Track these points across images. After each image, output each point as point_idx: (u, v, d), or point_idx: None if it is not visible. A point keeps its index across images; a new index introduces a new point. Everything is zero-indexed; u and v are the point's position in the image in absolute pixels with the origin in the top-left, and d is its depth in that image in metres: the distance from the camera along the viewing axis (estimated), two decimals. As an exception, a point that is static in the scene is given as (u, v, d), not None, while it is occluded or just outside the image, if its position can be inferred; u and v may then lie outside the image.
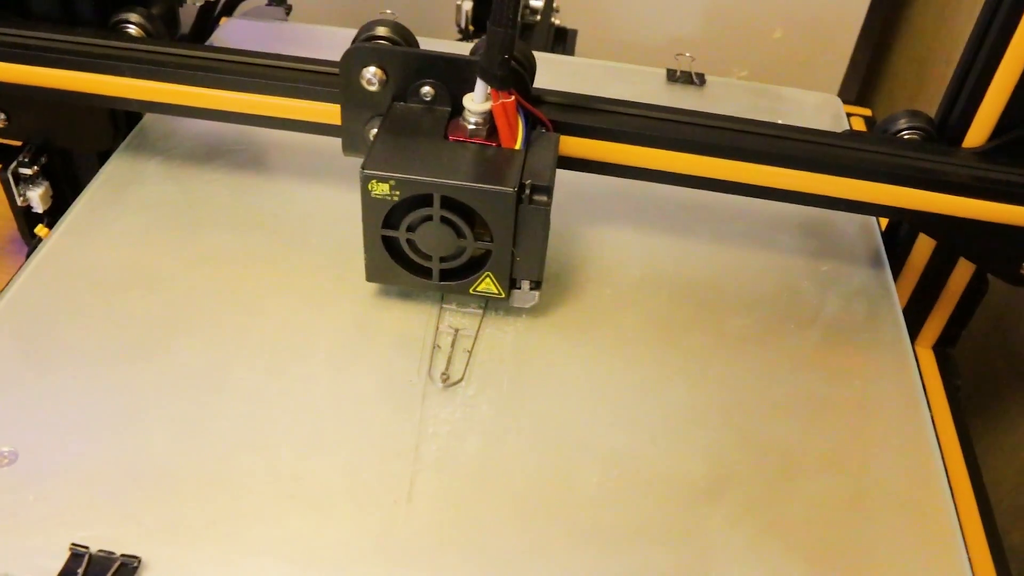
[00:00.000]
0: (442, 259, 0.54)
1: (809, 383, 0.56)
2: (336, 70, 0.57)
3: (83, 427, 0.49)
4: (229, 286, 0.58)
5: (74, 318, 0.55)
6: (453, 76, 0.55)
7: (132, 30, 0.65)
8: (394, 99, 0.57)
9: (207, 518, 0.46)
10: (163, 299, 0.56)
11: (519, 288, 0.56)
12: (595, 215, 0.66)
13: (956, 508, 0.51)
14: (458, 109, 0.55)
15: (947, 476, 0.52)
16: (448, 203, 0.52)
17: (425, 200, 0.52)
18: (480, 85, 0.53)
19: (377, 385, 0.53)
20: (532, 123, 0.56)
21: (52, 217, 0.70)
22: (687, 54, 0.83)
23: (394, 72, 0.56)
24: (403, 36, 0.58)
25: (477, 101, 0.53)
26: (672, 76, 0.82)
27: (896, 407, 0.56)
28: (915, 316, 0.71)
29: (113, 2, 0.65)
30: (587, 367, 0.55)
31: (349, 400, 0.52)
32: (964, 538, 0.50)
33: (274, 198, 0.65)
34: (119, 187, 0.64)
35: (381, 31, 0.58)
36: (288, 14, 0.91)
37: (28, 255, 0.62)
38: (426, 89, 0.56)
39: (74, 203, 0.62)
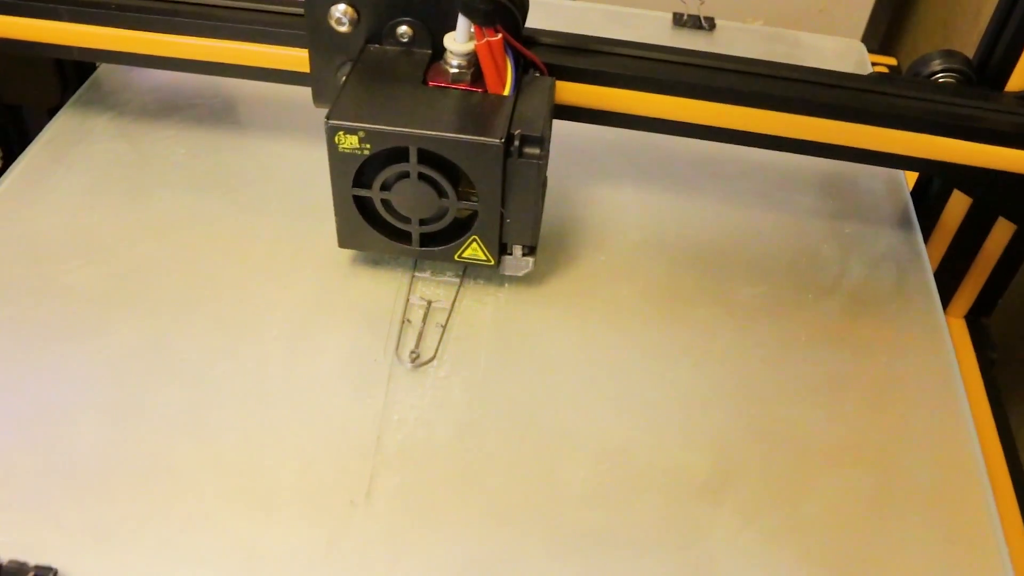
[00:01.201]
0: (422, 222, 0.48)
1: (828, 362, 0.49)
2: (302, 10, 0.50)
3: (5, 414, 0.43)
4: (178, 255, 0.51)
5: (1, 291, 0.48)
6: (433, 13, 0.49)
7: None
8: (368, 41, 0.50)
9: (137, 521, 0.40)
10: (103, 270, 0.50)
11: (510, 254, 0.49)
12: (589, 171, 0.59)
13: (994, 504, 0.44)
14: (439, 51, 0.49)
15: (984, 468, 0.45)
16: (427, 157, 0.45)
17: (401, 154, 0.45)
18: (462, 22, 0.46)
19: (337, 365, 0.46)
20: (524, 66, 0.50)
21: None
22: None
23: (366, 10, 0.49)
24: None
25: (459, 40, 0.47)
26: (679, 20, 0.75)
27: (927, 389, 0.49)
28: (947, 283, 0.64)
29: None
30: (577, 344, 0.49)
31: (305, 383, 0.45)
32: (1004, 537, 0.43)
33: (235, 156, 0.58)
34: (64, 146, 0.58)
35: None
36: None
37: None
38: (403, 29, 0.50)
39: (12, 165, 0.56)
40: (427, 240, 0.49)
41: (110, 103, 0.61)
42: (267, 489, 0.41)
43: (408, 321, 0.48)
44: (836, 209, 0.59)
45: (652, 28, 0.74)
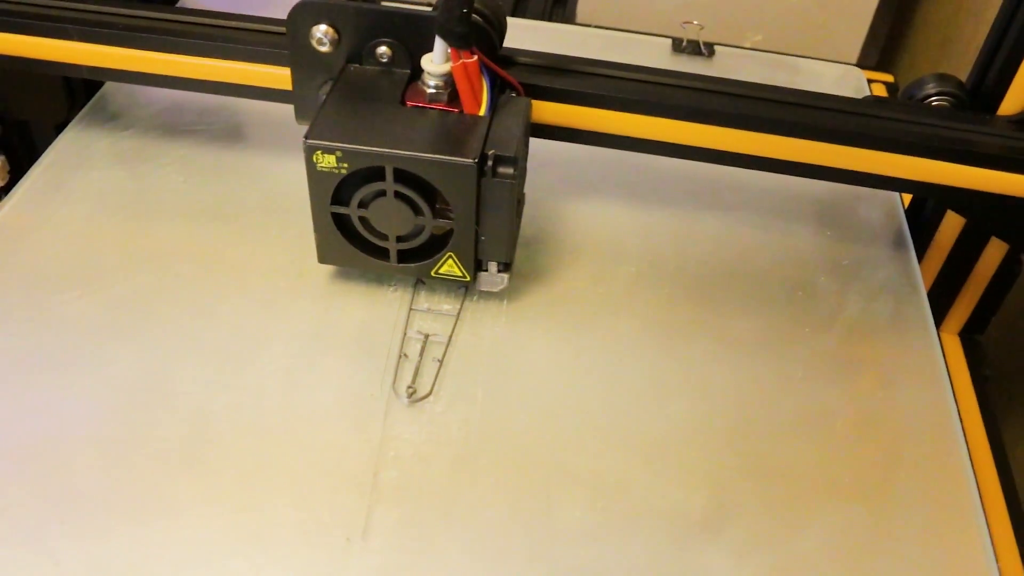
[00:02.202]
0: (399, 238, 0.47)
1: (824, 396, 0.48)
2: (283, 29, 0.49)
3: (1, 448, 0.42)
4: (176, 285, 0.50)
5: (1, 321, 0.47)
6: (412, 34, 0.48)
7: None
8: (348, 61, 0.49)
9: (134, 558, 0.38)
10: (101, 300, 0.48)
11: (486, 270, 0.48)
12: (587, 198, 0.58)
13: (990, 541, 0.42)
14: (418, 71, 0.48)
15: (983, 508, 0.44)
16: (402, 176, 0.45)
17: (377, 173, 0.45)
18: (439, 44, 0.45)
19: (335, 400, 0.45)
20: (500, 87, 0.49)
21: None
22: (695, 22, 0.73)
23: (347, 30, 0.48)
24: None
25: (436, 62, 0.46)
26: (678, 46, 0.73)
27: (922, 424, 0.47)
28: (941, 300, 0.63)
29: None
30: (573, 380, 0.47)
31: (303, 417, 0.44)
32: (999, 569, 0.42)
33: (232, 184, 0.56)
34: (62, 172, 0.56)
35: None
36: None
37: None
38: (383, 49, 0.48)
39: (11, 192, 0.55)
40: (404, 256, 0.48)
41: (109, 128, 0.59)
42: (264, 525, 0.40)
43: (405, 355, 0.47)
44: (834, 239, 0.57)
45: (652, 54, 0.72)
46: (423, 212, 0.46)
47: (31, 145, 0.65)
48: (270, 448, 0.43)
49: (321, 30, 0.48)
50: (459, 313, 0.49)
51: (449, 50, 0.45)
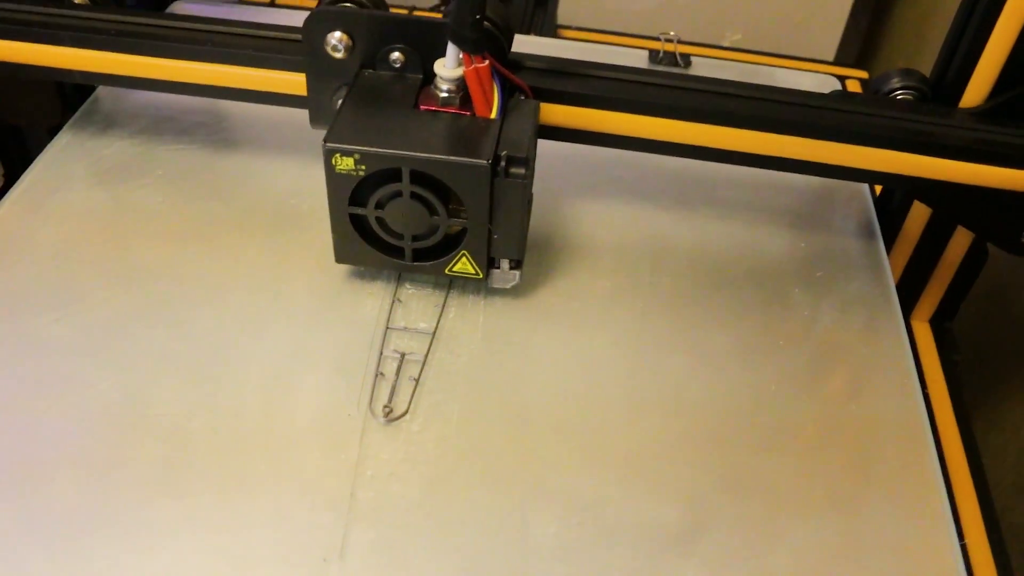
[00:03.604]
0: (414, 238, 0.46)
1: (798, 409, 0.46)
2: (298, 36, 0.49)
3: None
4: (154, 307, 0.48)
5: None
6: (424, 41, 0.47)
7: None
8: (362, 66, 0.49)
9: (114, 580, 0.37)
10: (79, 323, 0.46)
11: (498, 268, 0.48)
12: (563, 197, 0.56)
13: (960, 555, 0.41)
14: (430, 76, 0.47)
15: (956, 522, 0.42)
16: (418, 178, 0.44)
17: (394, 175, 0.44)
18: (451, 49, 0.45)
19: (312, 419, 0.43)
20: (510, 90, 0.48)
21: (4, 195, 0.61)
22: (672, 33, 0.72)
23: (361, 37, 0.48)
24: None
25: (448, 67, 0.45)
26: (655, 57, 0.72)
27: (895, 437, 0.45)
28: (911, 288, 0.61)
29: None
30: (548, 394, 0.45)
31: (280, 437, 0.42)
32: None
33: (211, 204, 0.54)
34: (41, 195, 0.54)
35: None
36: (244, -3, 0.81)
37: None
38: (396, 55, 0.48)
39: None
40: (419, 255, 0.47)
41: (94, 144, 0.57)
42: (242, 546, 0.38)
43: (382, 374, 0.45)
44: (807, 252, 0.55)
45: (629, 64, 0.70)
46: (438, 212, 0.45)
47: (24, 148, 0.63)
48: (248, 468, 0.41)
49: (336, 37, 0.47)
50: (435, 331, 0.47)
51: (461, 55, 0.44)
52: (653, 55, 0.72)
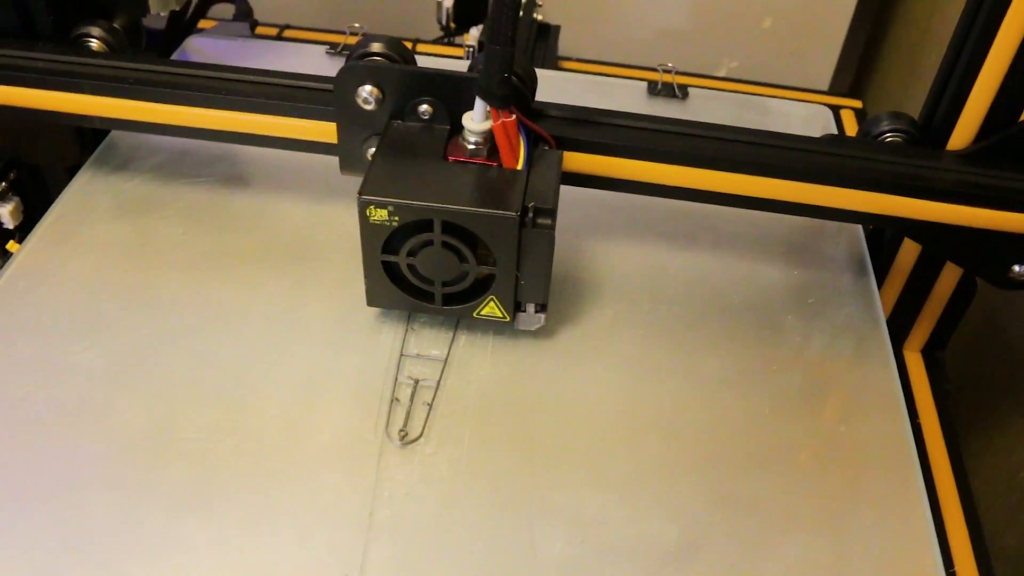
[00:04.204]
0: (444, 283, 0.49)
1: (789, 432, 0.49)
2: (330, 87, 0.52)
3: (17, 492, 0.44)
4: (178, 336, 0.51)
5: (12, 371, 0.49)
6: (452, 94, 0.51)
7: (94, 44, 0.60)
8: (391, 117, 0.52)
9: (147, 597, 0.40)
10: (107, 351, 0.50)
11: (524, 311, 0.51)
12: (564, 235, 0.59)
13: (952, 564, 0.44)
14: (457, 127, 0.50)
15: (941, 531, 0.46)
16: (449, 228, 0.47)
17: (426, 225, 0.47)
18: (479, 104, 0.48)
19: (331, 443, 0.47)
20: (534, 139, 0.51)
21: (23, 232, 0.65)
22: (670, 65, 0.76)
23: (391, 90, 0.51)
24: (399, 52, 0.54)
25: (477, 121, 0.49)
26: (653, 89, 0.75)
27: (881, 457, 0.49)
28: (902, 320, 0.64)
29: (74, 15, 0.60)
30: (553, 419, 0.49)
31: (301, 461, 0.46)
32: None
33: (230, 235, 0.58)
34: (68, 227, 0.58)
35: (376, 47, 0.53)
36: (253, 30, 0.84)
37: (-1, 270, 0.57)
38: (424, 107, 0.51)
39: (21, 246, 0.56)
40: (448, 299, 0.50)
41: (115, 178, 0.61)
42: (267, 563, 0.42)
43: (397, 400, 0.48)
44: (800, 281, 0.59)
45: (629, 96, 0.74)
46: (467, 259, 0.48)
47: (44, 187, 0.66)
48: (271, 490, 0.44)
49: (367, 90, 0.51)
50: (447, 359, 0.51)
51: (489, 109, 0.47)
52: (652, 87, 0.75)
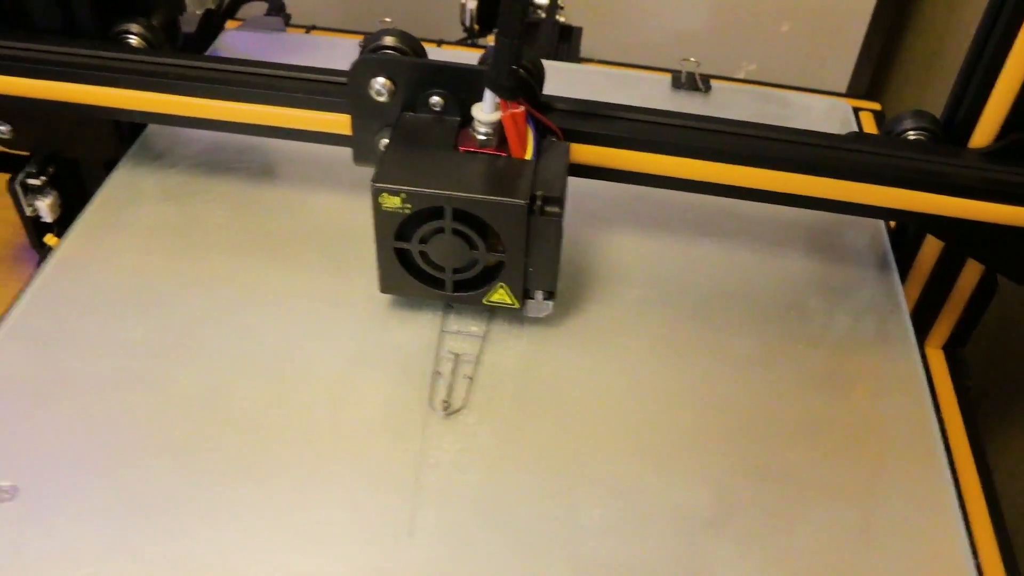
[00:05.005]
0: (455, 270, 0.53)
1: (815, 406, 0.53)
2: (344, 80, 0.55)
3: (83, 459, 0.47)
4: (226, 312, 0.55)
5: (72, 346, 0.53)
6: (462, 85, 0.54)
7: (133, 40, 0.63)
8: (403, 109, 0.55)
9: (208, 555, 0.44)
10: (159, 326, 0.54)
11: (533, 298, 0.54)
12: (599, 228, 0.64)
13: (972, 537, 0.48)
14: (468, 118, 0.53)
15: (962, 507, 0.49)
16: (460, 215, 0.50)
17: (437, 212, 0.50)
18: (489, 96, 0.51)
19: (377, 414, 0.50)
20: (542, 131, 0.54)
21: (61, 226, 0.68)
22: (692, 59, 0.79)
23: (403, 82, 0.54)
24: (411, 46, 0.57)
25: (486, 112, 0.52)
26: (677, 82, 0.79)
27: (904, 428, 0.53)
28: (924, 317, 0.68)
29: (114, 13, 0.63)
30: (590, 392, 0.53)
31: (349, 430, 0.50)
32: (979, 564, 0.47)
33: (272, 216, 0.62)
34: (116, 208, 0.62)
35: (388, 41, 0.57)
36: (286, 23, 0.89)
37: (39, 264, 0.60)
38: (435, 99, 0.54)
39: (69, 229, 0.60)
40: (459, 286, 0.53)
41: (157, 165, 0.65)
42: (321, 526, 0.45)
43: (439, 373, 0.52)
44: (824, 263, 0.63)
45: (653, 90, 0.78)
46: (477, 247, 0.51)
47: (80, 181, 0.69)
48: (321, 458, 0.48)
49: (380, 82, 0.54)
50: (485, 334, 0.55)
51: (498, 101, 0.51)
52: (676, 79, 0.79)
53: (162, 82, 0.58)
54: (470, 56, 0.60)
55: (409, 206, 0.50)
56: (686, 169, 0.57)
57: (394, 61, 0.55)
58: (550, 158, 0.53)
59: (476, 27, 0.93)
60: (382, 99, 0.55)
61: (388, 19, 0.85)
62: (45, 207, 0.67)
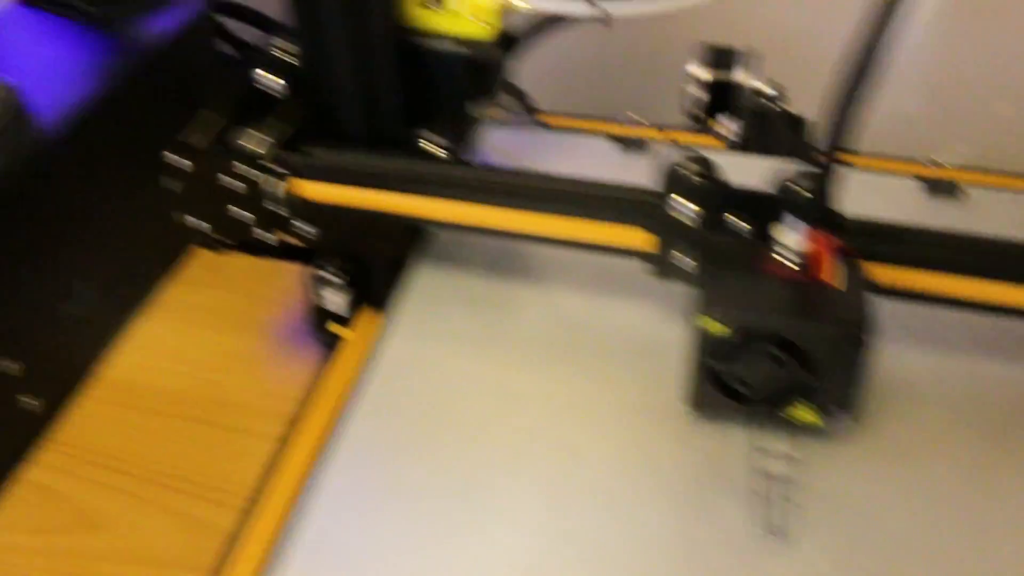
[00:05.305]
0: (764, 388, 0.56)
1: None
2: (646, 197, 0.60)
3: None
4: (544, 427, 0.60)
5: (400, 457, 0.59)
6: (763, 209, 0.57)
7: (430, 148, 0.68)
8: (704, 229, 0.59)
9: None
10: (479, 439, 0.60)
11: (832, 415, 0.57)
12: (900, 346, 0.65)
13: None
14: (769, 240, 0.57)
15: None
16: (777, 340, 0.54)
17: (757, 337, 0.54)
18: (794, 220, 0.55)
19: (707, 536, 0.54)
20: (841, 253, 0.57)
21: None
22: (941, 161, 0.81)
23: (707, 206, 0.58)
24: (707, 167, 0.61)
25: (793, 237, 0.55)
26: (927, 187, 0.79)
27: None
28: None
29: (416, 121, 0.68)
30: (911, 526, 0.54)
31: (681, 553, 0.53)
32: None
33: (566, 327, 0.67)
34: (421, 317, 0.68)
35: (691, 168, 0.60)
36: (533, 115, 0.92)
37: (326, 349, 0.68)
38: (734, 220, 0.58)
39: (380, 339, 0.67)
40: (764, 404, 0.57)
41: (449, 269, 0.72)
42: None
43: (757, 493, 0.56)
44: None
45: (903, 195, 0.78)
46: (790, 368, 0.54)
47: (366, 277, 0.73)
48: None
49: (687, 205, 0.59)
50: (797, 456, 0.57)
51: (804, 226, 0.54)
52: (926, 185, 0.79)
53: (467, 192, 0.64)
54: (705, 145, 0.65)
55: (729, 331, 0.54)
56: (974, 290, 0.58)
57: (701, 186, 0.59)
58: (854, 281, 0.56)
59: (710, 121, 0.94)
60: (690, 222, 0.59)
61: (634, 115, 0.89)
62: (342, 303, 0.71)
